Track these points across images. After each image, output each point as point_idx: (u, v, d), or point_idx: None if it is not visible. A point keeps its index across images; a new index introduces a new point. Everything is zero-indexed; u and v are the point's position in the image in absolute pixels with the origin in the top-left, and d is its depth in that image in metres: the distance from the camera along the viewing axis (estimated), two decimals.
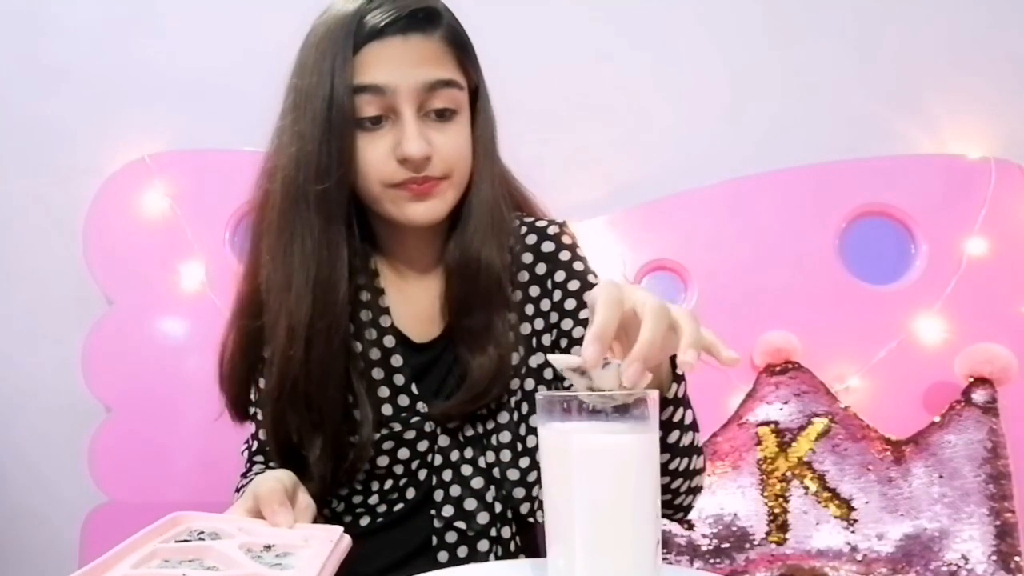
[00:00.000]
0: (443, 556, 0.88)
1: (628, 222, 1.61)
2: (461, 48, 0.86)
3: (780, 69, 1.69)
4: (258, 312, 0.88)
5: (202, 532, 0.65)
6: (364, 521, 0.91)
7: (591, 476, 0.56)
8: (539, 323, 0.92)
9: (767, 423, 1.49)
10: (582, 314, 0.91)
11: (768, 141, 1.65)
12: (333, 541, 0.66)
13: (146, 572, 0.57)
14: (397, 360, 0.91)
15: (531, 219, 0.97)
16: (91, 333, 1.57)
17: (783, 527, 1.46)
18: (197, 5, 1.67)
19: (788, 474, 1.47)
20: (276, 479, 0.76)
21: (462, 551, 0.88)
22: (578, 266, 0.93)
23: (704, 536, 1.47)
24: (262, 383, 0.90)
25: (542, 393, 0.60)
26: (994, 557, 1.41)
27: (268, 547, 0.64)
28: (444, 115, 0.84)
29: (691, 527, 1.47)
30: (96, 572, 0.55)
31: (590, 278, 0.93)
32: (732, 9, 1.69)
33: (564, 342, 0.92)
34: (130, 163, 1.60)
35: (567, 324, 0.91)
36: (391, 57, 0.81)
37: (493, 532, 0.89)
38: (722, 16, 1.69)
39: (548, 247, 0.93)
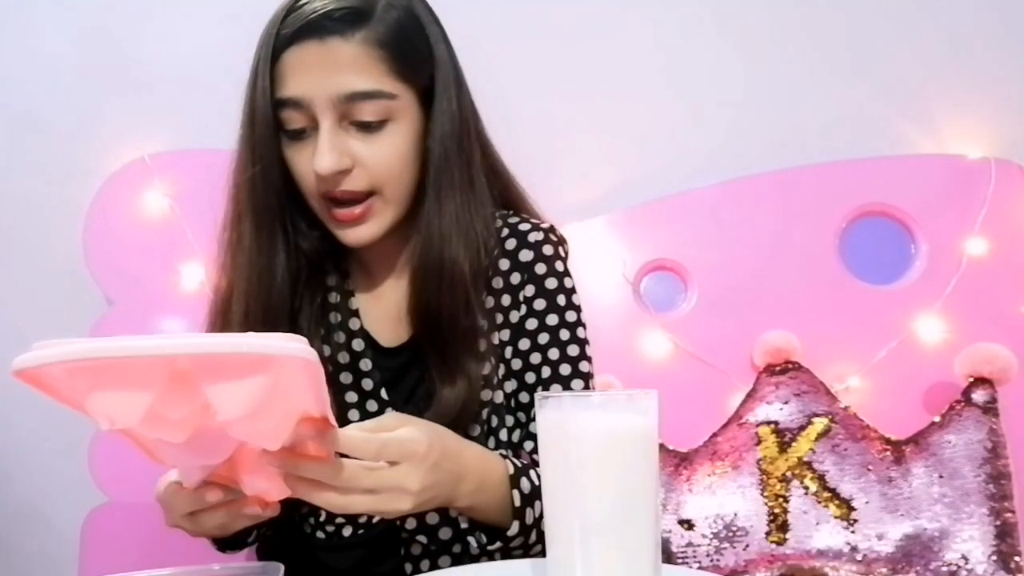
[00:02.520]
0: (408, 567, 0.86)
1: (628, 222, 1.61)
2: (395, 50, 0.78)
3: (780, 69, 1.69)
4: (222, 308, 0.87)
5: None
6: (346, 532, 0.88)
7: (590, 463, 0.55)
8: (506, 334, 0.89)
9: (767, 423, 1.49)
10: (540, 338, 0.88)
11: (768, 141, 1.65)
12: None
13: None
14: (366, 364, 0.88)
15: (515, 220, 0.92)
16: (91, 333, 1.57)
17: (783, 527, 1.46)
18: (198, 5, 1.67)
19: (788, 474, 1.47)
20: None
21: (424, 564, 0.86)
22: (550, 284, 0.89)
23: (704, 536, 1.47)
24: None
25: (541, 393, 0.60)
26: (994, 557, 1.41)
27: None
28: (370, 126, 0.79)
29: (691, 527, 1.47)
30: None
31: (559, 299, 0.89)
32: (733, 9, 1.69)
33: (518, 363, 0.89)
34: (130, 163, 1.60)
35: (524, 344, 0.88)
36: (306, 65, 0.76)
37: (457, 548, 0.86)
38: (722, 17, 1.69)
39: (526, 256, 0.89)
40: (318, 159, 0.77)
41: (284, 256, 0.84)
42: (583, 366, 0.89)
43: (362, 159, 0.79)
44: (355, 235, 0.83)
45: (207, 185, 1.61)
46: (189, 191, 1.59)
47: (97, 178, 1.59)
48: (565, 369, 0.88)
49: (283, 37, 0.77)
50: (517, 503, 0.76)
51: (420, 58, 0.82)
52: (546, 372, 0.88)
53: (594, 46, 1.69)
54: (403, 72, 0.80)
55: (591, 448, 0.56)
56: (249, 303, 0.82)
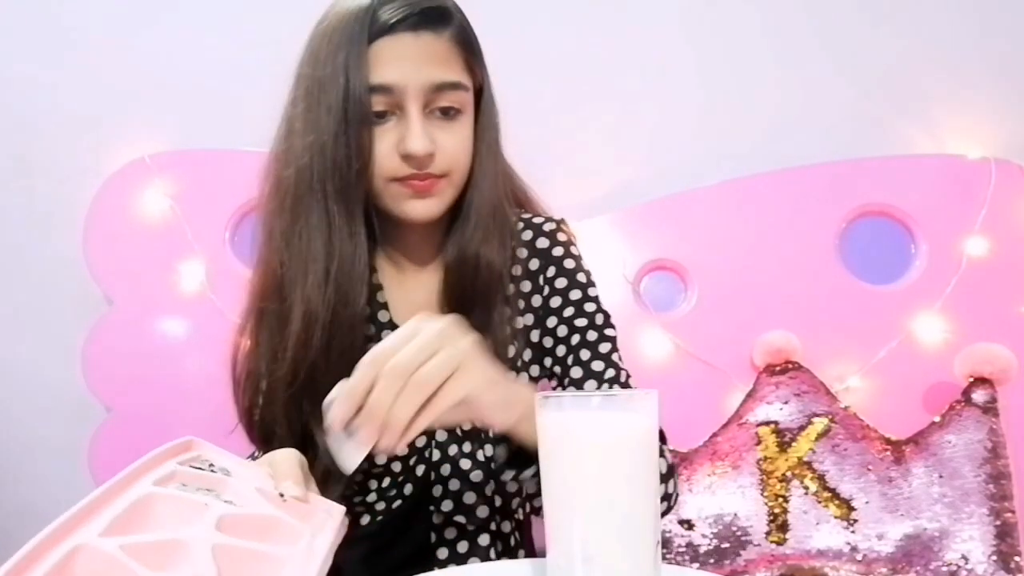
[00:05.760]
0: (443, 553, 0.88)
1: (628, 222, 1.61)
2: (469, 48, 0.86)
3: (780, 69, 1.69)
4: (280, 296, 0.87)
5: (213, 464, 0.65)
6: (364, 520, 0.91)
7: (590, 463, 0.56)
8: (529, 319, 0.93)
9: (767, 423, 1.49)
10: (566, 312, 0.92)
11: (768, 141, 1.65)
12: (335, 519, 0.65)
13: (173, 493, 0.56)
14: None
15: (528, 215, 0.98)
16: (91, 333, 1.57)
17: (783, 527, 1.46)
18: (197, 5, 1.67)
19: (788, 474, 1.47)
20: (295, 455, 0.73)
21: (462, 546, 0.88)
22: (569, 264, 0.94)
23: (704, 536, 1.47)
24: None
25: (542, 393, 0.60)
26: (994, 557, 1.41)
27: (281, 496, 0.64)
28: (448, 114, 0.84)
29: (691, 527, 1.47)
30: (119, 488, 0.55)
31: (579, 277, 0.94)
32: (731, 10, 1.69)
33: (549, 341, 0.92)
34: (130, 163, 1.60)
35: (551, 321, 0.92)
36: (402, 54, 0.82)
37: (493, 526, 0.89)
38: (722, 17, 1.69)
39: (543, 243, 0.95)
40: (413, 140, 0.82)
41: (364, 240, 0.86)
42: (609, 332, 0.93)
43: (441, 145, 0.84)
44: (424, 207, 0.86)
45: (207, 185, 1.63)
46: (189, 191, 1.59)
47: (97, 178, 1.59)
48: (592, 335, 0.92)
49: (377, 28, 0.82)
50: None
51: (480, 61, 0.89)
52: (575, 339, 0.92)
53: (595, 47, 1.69)
54: (472, 69, 0.87)
55: (591, 448, 0.56)
56: (340, 281, 0.83)
